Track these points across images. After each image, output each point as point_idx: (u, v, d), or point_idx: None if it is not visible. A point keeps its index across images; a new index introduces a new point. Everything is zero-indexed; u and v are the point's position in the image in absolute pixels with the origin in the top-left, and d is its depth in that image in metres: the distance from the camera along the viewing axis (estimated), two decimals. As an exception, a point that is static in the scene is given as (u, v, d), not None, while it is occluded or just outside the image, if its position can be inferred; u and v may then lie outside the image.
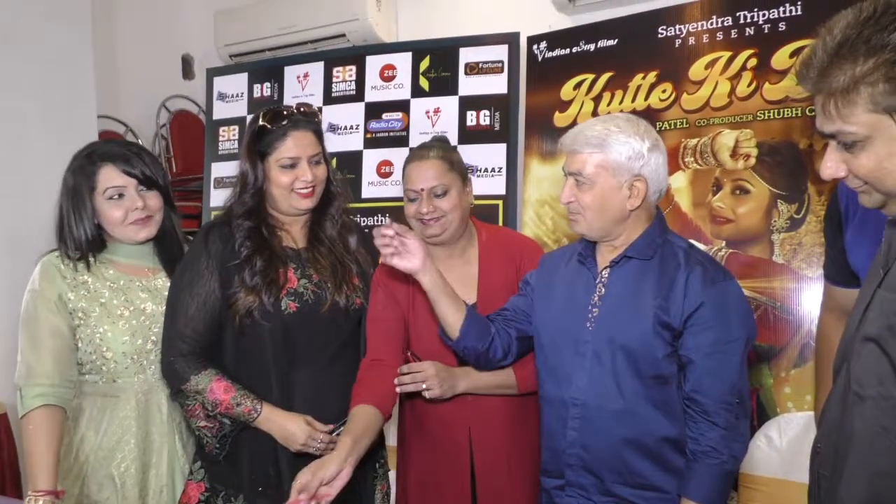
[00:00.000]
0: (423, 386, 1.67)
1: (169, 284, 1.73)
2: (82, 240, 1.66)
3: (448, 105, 3.09)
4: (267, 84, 3.47)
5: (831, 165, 1.02)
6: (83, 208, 1.66)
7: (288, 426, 1.62)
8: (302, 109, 1.73)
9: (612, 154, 1.48)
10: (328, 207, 1.79)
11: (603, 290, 1.56)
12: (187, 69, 4.30)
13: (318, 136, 1.75)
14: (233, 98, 3.54)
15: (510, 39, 3.01)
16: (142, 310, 1.68)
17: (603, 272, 1.57)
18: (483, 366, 1.69)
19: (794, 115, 2.37)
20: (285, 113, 1.70)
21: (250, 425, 1.63)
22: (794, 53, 2.37)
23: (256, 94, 3.49)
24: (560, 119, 2.85)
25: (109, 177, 1.65)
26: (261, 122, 1.69)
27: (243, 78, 3.53)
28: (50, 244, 1.72)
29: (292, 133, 1.68)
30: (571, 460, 1.56)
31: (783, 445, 2.04)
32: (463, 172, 1.80)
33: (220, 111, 3.56)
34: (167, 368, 1.63)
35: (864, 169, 0.98)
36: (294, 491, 1.39)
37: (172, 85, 4.19)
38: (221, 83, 3.58)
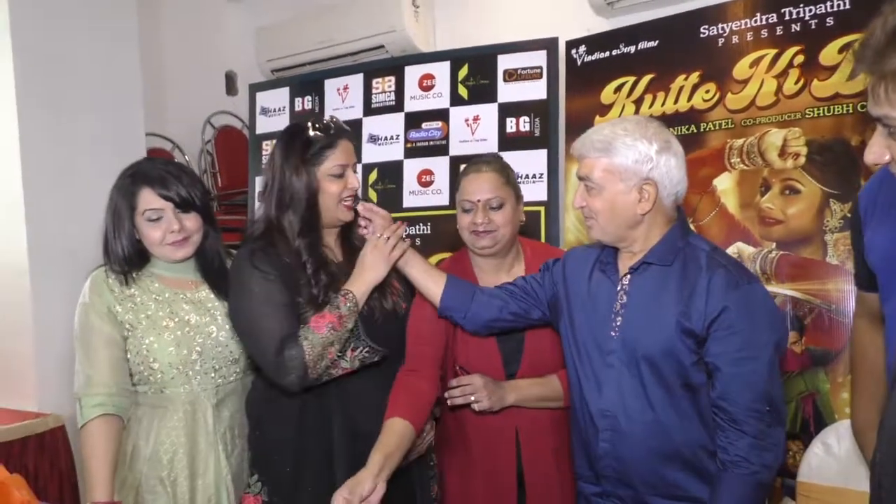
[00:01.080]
0: (472, 399, 1.69)
1: (211, 296, 1.76)
2: (121, 256, 1.70)
3: (487, 112, 3.08)
4: (308, 97, 3.52)
5: (876, 150, 1.00)
6: (122, 227, 1.70)
7: (367, 276, 1.65)
8: (335, 121, 1.75)
9: (617, 158, 1.46)
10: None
11: (625, 297, 1.53)
12: (230, 85, 4.39)
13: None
14: (275, 112, 3.60)
15: (548, 45, 3.00)
16: (186, 321, 1.71)
17: (623, 279, 1.54)
18: (472, 329, 1.72)
19: (844, 112, 2.30)
20: (333, 122, 1.72)
21: (361, 306, 1.63)
22: (843, 48, 2.30)
23: (298, 107, 3.54)
24: (601, 123, 2.82)
25: (147, 200, 1.68)
26: (311, 133, 1.68)
27: (285, 92, 3.59)
28: (102, 260, 1.76)
29: (340, 142, 1.69)
30: (606, 471, 1.54)
31: (842, 453, 1.97)
32: (517, 189, 1.83)
33: (263, 125, 3.62)
34: (278, 371, 1.57)
35: None
36: None
37: (217, 101, 4.29)
38: (264, 98, 3.65)
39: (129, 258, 1.71)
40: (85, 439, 1.60)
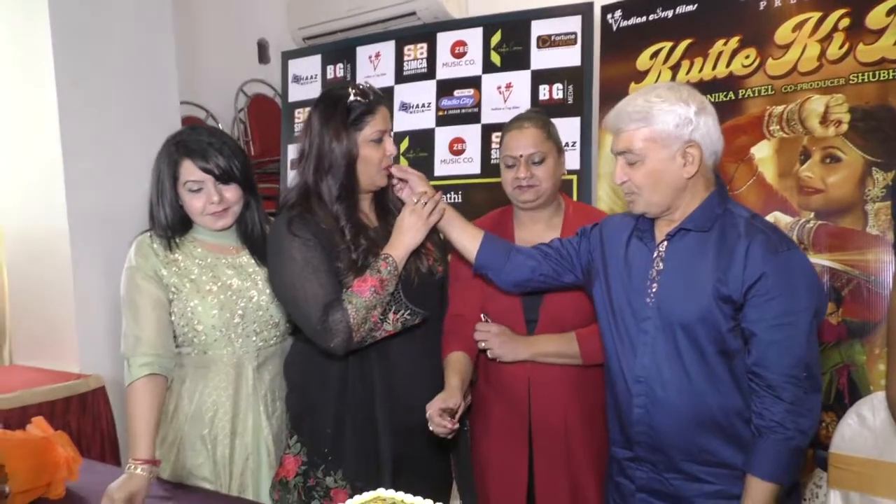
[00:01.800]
0: (482, 345, 1.79)
1: (252, 262, 1.78)
2: (164, 223, 1.74)
3: (520, 80, 3.05)
4: (340, 65, 3.51)
5: None
6: (165, 194, 1.73)
7: (405, 239, 1.66)
8: (371, 87, 1.74)
9: (658, 125, 1.45)
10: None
11: (661, 264, 1.52)
12: (263, 54, 4.40)
13: None
14: (307, 80, 3.60)
15: (583, 10, 2.94)
16: (228, 285, 1.74)
17: (660, 246, 1.53)
18: (504, 287, 1.77)
19: (891, 77, 2.23)
20: (370, 88, 1.71)
21: (400, 268, 1.64)
22: (890, 11, 2.23)
23: (330, 75, 3.54)
24: (636, 90, 2.77)
25: (189, 171, 1.70)
26: (353, 98, 1.67)
27: (317, 60, 3.58)
28: (140, 226, 1.80)
29: (379, 108, 1.69)
30: (639, 437, 1.55)
31: (876, 424, 1.95)
32: (558, 143, 1.88)
33: (295, 93, 3.63)
34: (323, 335, 1.59)
35: None
36: (434, 415, 1.53)
37: (249, 70, 4.30)
38: (296, 66, 3.65)
39: (172, 224, 1.74)
40: (130, 398, 1.65)
